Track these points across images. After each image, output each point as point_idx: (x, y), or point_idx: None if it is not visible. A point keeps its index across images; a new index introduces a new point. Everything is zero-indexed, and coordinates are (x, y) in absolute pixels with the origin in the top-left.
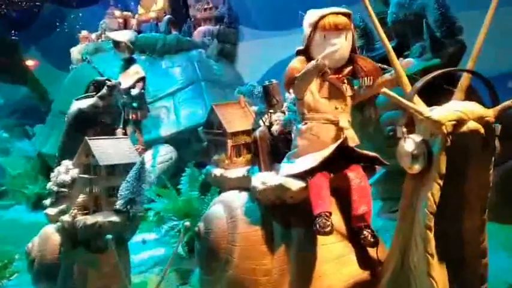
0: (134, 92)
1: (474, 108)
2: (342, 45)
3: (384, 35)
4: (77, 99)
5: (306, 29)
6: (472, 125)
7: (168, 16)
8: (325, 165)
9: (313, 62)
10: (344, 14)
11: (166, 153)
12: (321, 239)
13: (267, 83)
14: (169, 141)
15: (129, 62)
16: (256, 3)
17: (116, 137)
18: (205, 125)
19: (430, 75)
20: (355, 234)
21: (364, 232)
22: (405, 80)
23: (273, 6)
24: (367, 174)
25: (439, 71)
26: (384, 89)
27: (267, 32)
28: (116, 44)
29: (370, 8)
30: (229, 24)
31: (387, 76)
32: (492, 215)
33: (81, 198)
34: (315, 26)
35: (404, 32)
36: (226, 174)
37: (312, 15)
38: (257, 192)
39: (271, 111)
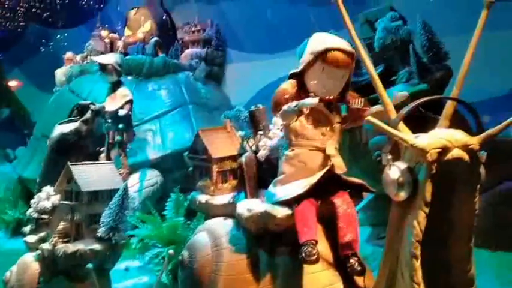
0: (122, 112)
1: (458, 135)
2: (335, 83)
3: (369, 62)
4: (59, 124)
5: (307, 54)
6: (456, 152)
7: (155, 38)
8: (311, 192)
9: (295, 102)
10: (349, 54)
11: (151, 177)
12: (307, 267)
13: (253, 108)
14: (154, 165)
15: (116, 85)
16: (244, 26)
17: (99, 162)
18: (190, 150)
19: (415, 102)
20: (342, 262)
21: (351, 260)
22: (390, 107)
23: (261, 29)
24: (354, 200)
25: (424, 99)
26: (368, 117)
27: (255, 54)
28: (103, 66)
29: (354, 34)
30: (217, 47)
31: (378, 107)
32: (483, 242)
33: (61, 225)
34: (317, 56)
35: (391, 58)
36: (211, 201)
37: (317, 43)
38: (242, 219)
39: (258, 136)
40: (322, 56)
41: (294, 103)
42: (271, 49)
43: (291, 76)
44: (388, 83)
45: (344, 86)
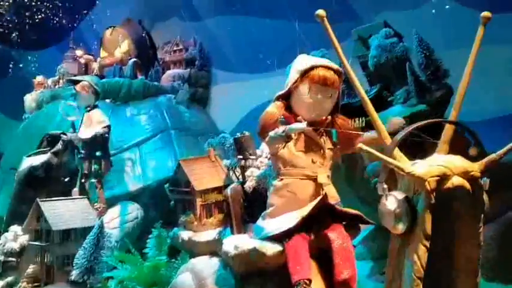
0: (99, 131)
1: (458, 162)
2: (323, 104)
3: (357, 84)
4: (28, 156)
5: (293, 74)
6: (456, 180)
7: (133, 59)
8: (303, 226)
9: (282, 128)
10: (335, 71)
11: (131, 212)
12: None
13: (238, 135)
14: (134, 197)
15: (92, 110)
16: (230, 44)
17: (71, 197)
18: (171, 182)
19: (410, 127)
20: None
21: None
22: (384, 133)
23: (249, 47)
24: (350, 233)
25: (419, 123)
26: (360, 145)
27: (242, 74)
28: (76, 83)
29: (341, 52)
30: (200, 67)
31: (370, 135)
32: (493, 274)
33: (31, 268)
34: (303, 74)
35: (387, 76)
36: (195, 238)
37: (302, 62)
38: (229, 257)
39: (244, 165)
40: (308, 74)
41: (281, 129)
42: (260, 68)
43: (278, 98)
44: (384, 104)
45: (333, 107)
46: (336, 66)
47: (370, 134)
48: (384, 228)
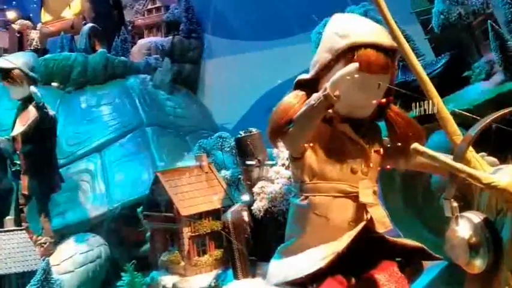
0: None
1: None
2: (368, 96)
3: (413, 59)
4: None
5: (322, 52)
6: None
7: (89, 25)
8: (339, 265)
9: (317, 94)
10: (388, 50)
11: (90, 248)
12: None
13: (242, 133)
14: (95, 228)
15: (28, 101)
16: None
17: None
18: (146, 204)
19: (489, 117)
20: None
21: None
22: (452, 127)
23: (257, 3)
24: (408, 275)
25: (502, 112)
26: (415, 144)
27: (248, 43)
28: (5, 74)
29: (388, 14)
30: (188, 33)
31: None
32: None
33: None
34: (338, 55)
35: (460, 42)
36: (182, 285)
37: (337, 35)
38: None
39: (252, 176)
40: (346, 55)
41: (315, 96)
42: (274, 33)
43: (299, 84)
44: (458, 82)
45: (384, 95)
46: (388, 42)
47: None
48: (459, 267)
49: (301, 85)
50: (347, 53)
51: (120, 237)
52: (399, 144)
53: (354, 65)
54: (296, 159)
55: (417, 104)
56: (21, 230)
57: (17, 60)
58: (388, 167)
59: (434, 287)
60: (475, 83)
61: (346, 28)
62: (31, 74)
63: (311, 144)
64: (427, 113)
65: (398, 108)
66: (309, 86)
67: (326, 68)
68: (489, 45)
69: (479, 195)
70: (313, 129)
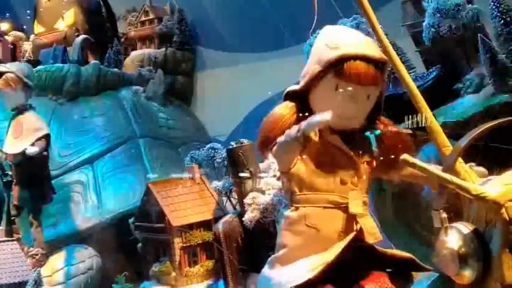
0: (31, 150)
1: None
2: (358, 108)
3: (403, 70)
4: None
5: (313, 63)
6: None
7: (82, 36)
8: (328, 275)
9: (295, 129)
10: (378, 62)
11: (82, 259)
12: None
13: (233, 144)
14: (87, 239)
15: (22, 112)
16: (223, 11)
17: None
18: (138, 214)
19: (479, 128)
20: None
21: None
22: (442, 139)
23: (250, 15)
24: (397, 286)
25: (490, 124)
26: (405, 156)
27: (241, 55)
28: (1, 84)
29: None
30: (181, 45)
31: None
32: None
33: None
34: (327, 67)
35: (450, 54)
36: None
37: (327, 44)
38: None
39: (243, 187)
40: (335, 67)
41: (295, 128)
42: (268, 45)
43: (288, 95)
44: (449, 95)
45: (373, 108)
46: (378, 54)
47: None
48: (449, 279)
49: (290, 96)
50: (336, 65)
51: (111, 248)
52: (389, 155)
53: (327, 115)
54: (285, 171)
55: (409, 116)
56: (12, 240)
57: (11, 67)
58: (379, 177)
59: None
60: (465, 95)
61: (336, 40)
62: (25, 79)
63: (301, 157)
64: (418, 125)
65: (387, 120)
66: (299, 97)
67: (315, 79)
68: (479, 58)
69: (468, 206)
70: (294, 155)
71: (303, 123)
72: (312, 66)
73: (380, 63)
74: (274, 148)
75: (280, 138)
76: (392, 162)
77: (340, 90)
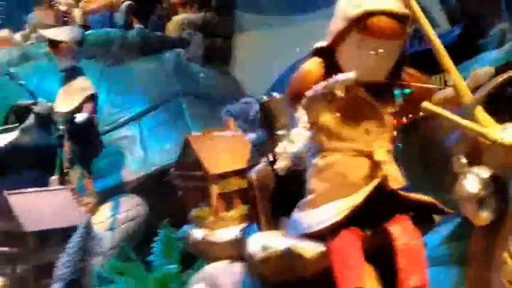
0: (80, 118)
1: None
2: (381, 61)
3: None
4: None
5: (337, 20)
6: None
7: (127, 2)
8: (355, 219)
9: (320, 90)
10: (400, 17)
11: (130, 208)
12: None
13: (265, 98)
14: (135, 189)
15: (72, 74)
16: None
17: (49, 188)
18: (177, 165)
19: (501, 77)
20: None
21: None
22: (463, 88)
23: None
24: (420, 228)
25: (509, 73)
26: (425, 103)
27: (278, 17)
28: (54, 46)
29: None
30: (219, 9)
31: (448, 90)
32: None
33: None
34: (351, 23)
35: (475, 10)
36: (211, 238)
37: (352, 4)
38: (256, 262)
39: (275, 139)
40: (359, 23)
41: (322, 84)
42: (306, 7)
43: (316, 52)
44: (473, 49)
45: (397, 61)
46: (401, 10)
47: (445, 91)
48: (471, 223)
49: (318, 52)
50: (360, 20)
51: (156, 197)
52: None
53: (352, 74)
54: (313, 122)
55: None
56: (65, 188)
57: (66, 33)
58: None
59: (446, 243)
60: (489, 50)
61: None
62: (77, 49)
63: (328, 109)
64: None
65: (414, 71)
66: (326, 53)
67: (340, 36)
68: (502, 14)
69: (487, 152)
70: (322, 109)
71: (329, 80)
72: (336, 23)
73: (403, 18)
74: (303, 101)
75: (309, 92)
76: (416, 112)
77: (364, 45)
